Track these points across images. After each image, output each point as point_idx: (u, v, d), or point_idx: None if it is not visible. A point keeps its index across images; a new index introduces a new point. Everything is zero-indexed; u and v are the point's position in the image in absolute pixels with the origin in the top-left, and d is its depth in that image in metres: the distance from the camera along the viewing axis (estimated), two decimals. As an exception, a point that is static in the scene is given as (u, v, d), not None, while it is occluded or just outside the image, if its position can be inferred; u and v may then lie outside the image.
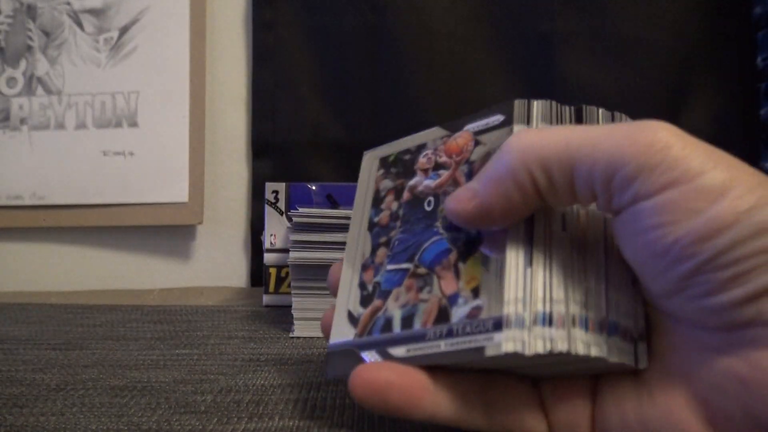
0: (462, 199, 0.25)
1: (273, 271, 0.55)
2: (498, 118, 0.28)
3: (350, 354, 0.28)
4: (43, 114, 0.68)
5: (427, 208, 0.29)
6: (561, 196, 0.24)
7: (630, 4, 0.66)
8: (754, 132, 0.65)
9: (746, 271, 0.20)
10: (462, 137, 0.29)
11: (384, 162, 0.33)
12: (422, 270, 0.28)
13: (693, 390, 0.22)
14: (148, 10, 0.68)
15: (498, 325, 0.23)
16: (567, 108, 0.26)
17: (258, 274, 0.69)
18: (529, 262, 0.24)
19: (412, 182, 0.31)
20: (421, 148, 0.31)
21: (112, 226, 0.68)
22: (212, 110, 0.70)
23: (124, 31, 0.68)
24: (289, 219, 0.45)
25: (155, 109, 0.67)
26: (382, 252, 0.30)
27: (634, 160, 0.21)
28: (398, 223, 0.30)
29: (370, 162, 0.34)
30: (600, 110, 0.26)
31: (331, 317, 0.30)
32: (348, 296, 0.30)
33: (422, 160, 0.31)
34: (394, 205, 0.31)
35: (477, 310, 0.24)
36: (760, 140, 0.64)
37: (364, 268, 0.30)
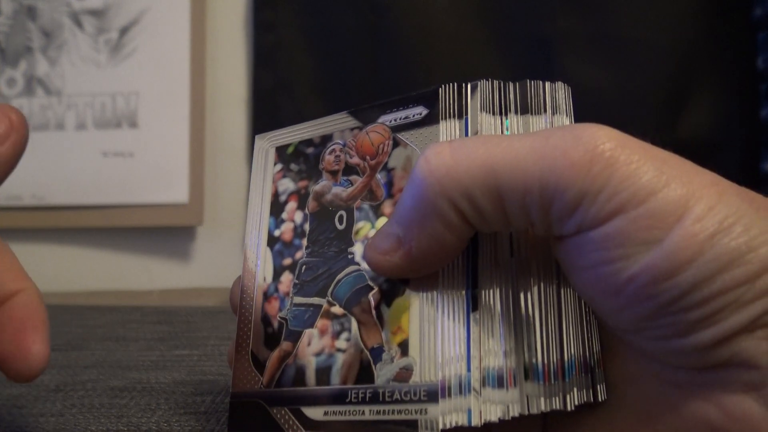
0: (385, 250, 0.21)
1: (273, 272, 0.55)
2: (420, 112, 0.23)
3: (258, 409, 0.23)
4: (42, 115, 0.68)
5: (339, 226, 0.24)
6: (494, 226, 0.20)
7: (630, 5, 0.66)
8: (754, 134, 0.65)
9: (716, 310, 0.17)
10: (376, 133, 0.24)
11: (282, 153, 0.27)
12: (337, 309, 0.23)
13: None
14: (149, 11, 0.68)
15: (433, 394, 0.20)
16: (510, 85, 0.22)
17: (258, 275, 0.69)
18: (474, 303, 0.20)
19: (317, 187, 0.25)
20: (326, 139, 0.26)
21: (111, 227, 0.68)
22: (212, 111, 0.69)
23: (124, 31, 0.68)
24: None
25: (155, 109, 0.67)
26: (287, 278, 0.25)
27: (574, 186, 0.18)
28: (305, 242, 0.25)
29: (263, 151, 0.28)
30: (546, 84, 0.22)
31: (238, 295, 0.26)
32: (250, 332, 0.25)
33: (329, 158, 0.25)
34: (298, 216, 0.26)
35: (406, 371, 0.20)
36: (760, 142, 0.64)
37: (267, 297, 0.25)
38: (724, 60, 0.65)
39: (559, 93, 0.22)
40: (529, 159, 0.18)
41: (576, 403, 0.20)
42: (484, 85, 0.22)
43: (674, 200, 0.17)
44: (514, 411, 0.19)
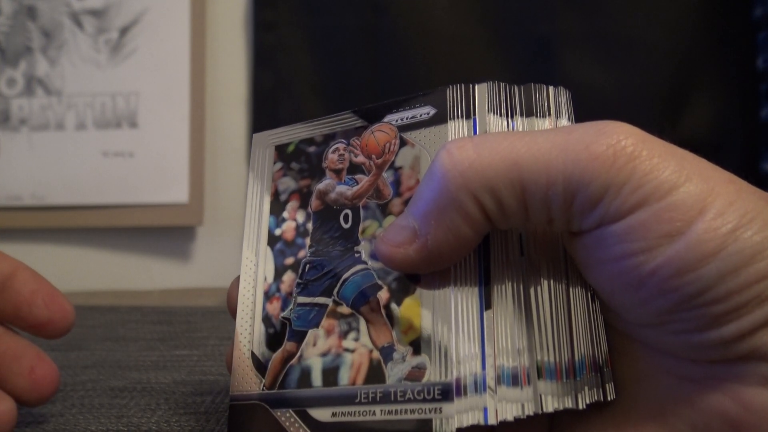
0: (399, 242, 0.21)
1: (273, 272, 0.55)
2: (427, 111, 0.23)
3: (260, 411, 0.23)
4: (42, 115, 0.68)
5: (345, 225, 0.24)
6: (513, 221, 0.20)
7: (630, 5, 0.66)
8: (754, 133, 0.65)
9: (741, 304, 0.17)
10: (382, 132, 0.24)
11: (281, 152, 0.27)
12: (344, 309, 0.23)
13: (669, 428, 0.19)
14: (149, 11, 0.68)
15: (447, 392, 0.19)
16: (515, 88, 0.22)
17: (258, 275, 0.69)
18: (487, 302, 0.20)
19: (321, 186, 0.25)
20: (328, 138, 0.25)
21: (111, 226, 0.68)
22: (212, 111, 0.69)
23: (124, 31, 0.68)
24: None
25: (155, 109, 0.67)
26: (289, 278, 0.24)
27: (598, 179, 0.18)
28: (307, 241, 0.25)
29: (262, 149, 0.27)
30: (549, 88, 0.22)
31: (235, 296, 0.26)
32: (250, 333, 0.24)
33: (332, 157, 0.25)
34: (300, 216, 0.25)
35: (419, 370, 0.20)
36: (760, 142, 0.64)
37: (268, 297, 0.25)
38: (724, 60, 0.65)
39: (562, 97, 0.23)
40: (552, 152, 0.19)
41: (587, 401, 0.20)
42: (490, 86, 0.22)
43: (695, 194, 0.18)
44: (529, 410, 0.19)
